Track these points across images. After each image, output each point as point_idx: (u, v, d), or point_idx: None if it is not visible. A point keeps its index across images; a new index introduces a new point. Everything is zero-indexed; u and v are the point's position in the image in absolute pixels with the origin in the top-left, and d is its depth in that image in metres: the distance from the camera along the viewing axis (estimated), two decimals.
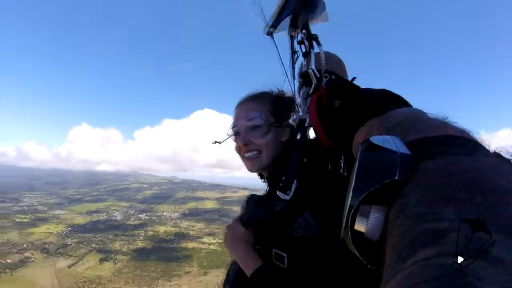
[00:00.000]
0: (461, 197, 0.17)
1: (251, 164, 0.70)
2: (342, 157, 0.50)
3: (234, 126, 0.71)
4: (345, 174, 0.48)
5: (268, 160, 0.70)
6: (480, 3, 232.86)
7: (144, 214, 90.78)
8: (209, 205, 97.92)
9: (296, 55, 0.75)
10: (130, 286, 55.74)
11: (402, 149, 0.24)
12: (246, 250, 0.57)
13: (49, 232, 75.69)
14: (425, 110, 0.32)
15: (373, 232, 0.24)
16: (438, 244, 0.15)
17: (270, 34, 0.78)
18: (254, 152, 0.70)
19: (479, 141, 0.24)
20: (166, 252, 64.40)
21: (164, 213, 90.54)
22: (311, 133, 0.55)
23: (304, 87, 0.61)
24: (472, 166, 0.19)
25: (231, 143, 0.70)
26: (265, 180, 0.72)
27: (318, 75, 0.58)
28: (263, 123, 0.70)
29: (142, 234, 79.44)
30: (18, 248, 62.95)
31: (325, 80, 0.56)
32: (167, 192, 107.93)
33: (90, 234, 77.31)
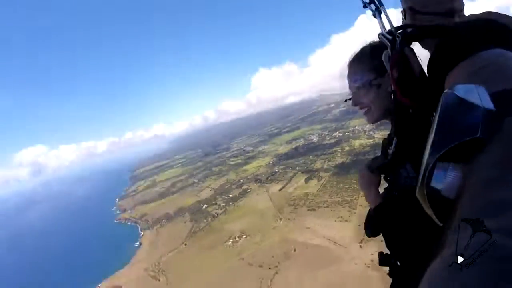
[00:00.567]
0: None
1: (366, 119, 2.20)
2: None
3: (349, 89, 2.25)
4: None
5: (378, 113, 2.10)
6: None
7: (337, 132, 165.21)
8: None
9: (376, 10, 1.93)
10: (333, 198, 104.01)
11: (486, 102, 0.65)
12: (370, 190, 2.11)
13: (259, 166, 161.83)
14: None
15: (450, 190, 0.76)
16: (500, 217, 0.41)
17: None
18: (366, 109, 2.16)
19: None
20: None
21: (356, 127, 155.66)
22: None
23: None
24: None
25: None
26: None
27: (389, 37, 1.73)
28: (363, 83, 2.05)
29: (339, 150, 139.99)
30: (237, 184, 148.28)
31: (397, 41, 1.66)
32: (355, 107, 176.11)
33: (293, 159, 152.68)
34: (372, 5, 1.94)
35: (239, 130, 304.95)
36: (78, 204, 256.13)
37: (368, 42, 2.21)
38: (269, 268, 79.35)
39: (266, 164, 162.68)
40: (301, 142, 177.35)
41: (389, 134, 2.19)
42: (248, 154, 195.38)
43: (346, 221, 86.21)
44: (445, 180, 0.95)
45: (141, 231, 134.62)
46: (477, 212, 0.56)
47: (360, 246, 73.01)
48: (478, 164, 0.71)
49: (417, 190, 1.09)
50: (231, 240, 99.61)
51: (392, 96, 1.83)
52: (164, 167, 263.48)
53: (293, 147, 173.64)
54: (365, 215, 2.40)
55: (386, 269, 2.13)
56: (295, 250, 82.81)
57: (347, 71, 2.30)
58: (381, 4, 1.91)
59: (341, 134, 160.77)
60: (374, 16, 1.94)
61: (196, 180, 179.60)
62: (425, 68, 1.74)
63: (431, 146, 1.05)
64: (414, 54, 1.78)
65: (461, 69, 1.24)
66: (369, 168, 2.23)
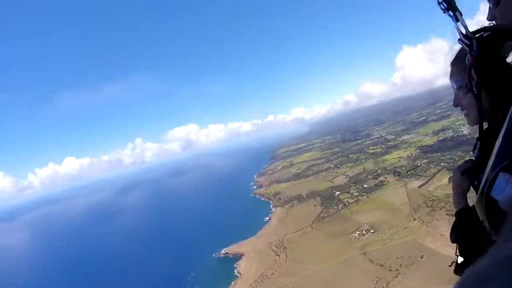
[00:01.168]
0: None
1: (467, 121, 2.45)
2: None
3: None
4: None
5: (475, 116, 2.20)
6: None
7: None
8: None
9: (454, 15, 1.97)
10: None
11: None
12: (458, 193, 2.51)
13: (400, 157, 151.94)
14: None
15: (506, 203, 1.15)
16: None
17: None
18: (465, 110, 2.41)
19: None
20: None
21: None
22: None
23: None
24: None
25: None
26: None
27: (467, 42, 1.84)
28: (461, 85, 2.24)
29: None
30: (373, 174, 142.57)
31: (474, 46, 1.79)
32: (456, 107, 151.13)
33: (439, 153, 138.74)
34: (450, 11, 2.01)
35: (381, 116, 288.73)
36: (220, 175, 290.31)
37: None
38: (390, 270, 76.24)
39: (408, 156, 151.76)
40: (449, 133, 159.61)
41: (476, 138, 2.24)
42: (390, 143, 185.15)
43: None
44: (504, 192, 1.06)
45: (272, 207, 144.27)
46: None
47: None
48: None
49: (475, 198, 1.23)
50: (357, 232, 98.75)
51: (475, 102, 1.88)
52: (302, 149, 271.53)
53: (440, 138, 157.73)
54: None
55: None
56: (422, 256, 76.86)
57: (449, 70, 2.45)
58: (457, 9, 1.97)
59: None
60: (452, 21, 2.00)
61: (331, 166, 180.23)
62: None
63: (496, 155, 1.17)
64: (498, 59, 1.81)
65: None
66: (459, 170, 2.36)
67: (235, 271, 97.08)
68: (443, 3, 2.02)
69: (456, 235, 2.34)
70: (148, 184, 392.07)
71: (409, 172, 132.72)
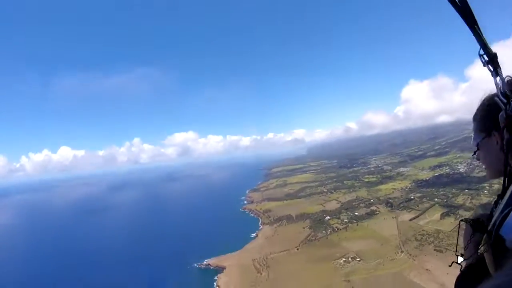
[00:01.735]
0: None
1: (486, 175, 2.72)
2: None
3: None
4: None
5: (491, 171, 2.52)
6: None
7: None
8: None
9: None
10: None
11: None
12: (467, 244, 2.29)
13: (394, 188, 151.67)
14: None
15: None
16: None
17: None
18: (484, 166, 2.70)
19: None
20: None
21: None
22: None
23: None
24: None
25: None
26: None
27: (504, 100, 1.95)
28: (476, 143, 2.58)
29: (487, 187, 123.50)
30: (366, 203, 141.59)
31: (510, 105, 1.91)
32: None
33: (433, 189, 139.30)
34: (490, 66, 2.04)
35: (380, 146, 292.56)
36: (213, 186, 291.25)
37: (486, 96, 2.33)
38: None
39: (402, 188, 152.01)
40: (446, 170, 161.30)
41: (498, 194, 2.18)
42: (385, 173, 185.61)
43: None
44: None
45: (261, 224, 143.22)
46: None
47: None
48: None
49: (485, 236, 1.25)
50: (343, 259, 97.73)
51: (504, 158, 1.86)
52: (298, 170, 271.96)
53: (436, 174, 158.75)
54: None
55: None
56: None
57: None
58: (498, 65, 2.00)
59: None
60: (492, 75, 2.05)
61: (325, 190, 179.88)
62: None
63: (509, 197, 1.21)
64: None
65: None
66: (468, 221, 2.30)
67: (215, 284, 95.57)
68: (485, 56, 2.01)
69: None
70: (139, 185, 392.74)
71: (401, 204, 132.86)
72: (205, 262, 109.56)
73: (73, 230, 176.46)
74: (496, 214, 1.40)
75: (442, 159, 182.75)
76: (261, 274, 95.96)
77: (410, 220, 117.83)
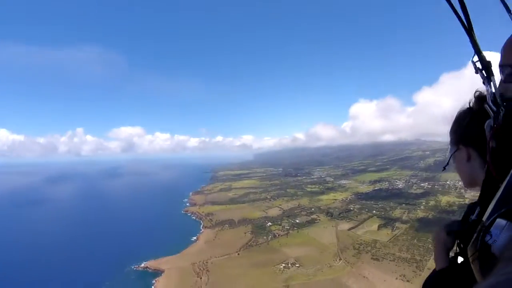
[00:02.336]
0: None
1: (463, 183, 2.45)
2: None
3: None
4: None
5: (465, 183, 2.36)
6: None
7: (426, 183, 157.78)
8: None
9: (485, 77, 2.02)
10: (402, 253, 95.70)
11: None
12: (441, 252, 2.33)
13: (335, 199, 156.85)
14: None
15: (498, 248, 1.27)
16: None
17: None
18: (460, 174, 2.42)
19: None
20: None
21: (448, 182, 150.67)
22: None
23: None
24: None
25: None
26: None
27: (494, 109, 1.84)
28: (449, 156, 2.42)
29: (423, 203, 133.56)
30: (307, 211, 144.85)
31: (501, 113, 1.75)
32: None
33: (372, 201, 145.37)
34: (484, 72, 1.98)
35: (325, 159, 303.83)
36: (156, 185, 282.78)
37: (459, 109, 2.30)
38: None
39: (342, 199, 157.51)
40: (385, 185, 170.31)
41: (475, 202, 2.13)
42: (328, 184, 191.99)
43: (408, 281, 78.64)
44: (498, 238, 1.11)
45: (202, 228, 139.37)
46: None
47: None
48: None
49: (470, 242, 1.30)
50: (283, 264, 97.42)
51: (486, 167, 1.84)
52: (243, 176, 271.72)
53: (376, 188, 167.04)
54: (428, 274, 2.42)
55: None
56: None
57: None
58: (492, 73, 1.95)
59: (429, 186, 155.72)
60: (484, 83, 1.99)
61: (268, 196, 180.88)
62: None
63: (495, 203, 1.23)
64: None
65: None
66: (446, 230, 2.32)
67: (152, 287, 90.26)
68: (479, 63, 2.03)
69: None
70: (79, 179, 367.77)
71: (341, 214, 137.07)
72: (143, 265, 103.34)
73: (3, 223, 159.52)
74: (483, 221, 1.45)
75: (383, 174, 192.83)
76: (201, 278, 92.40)
77: (349, 229, 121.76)
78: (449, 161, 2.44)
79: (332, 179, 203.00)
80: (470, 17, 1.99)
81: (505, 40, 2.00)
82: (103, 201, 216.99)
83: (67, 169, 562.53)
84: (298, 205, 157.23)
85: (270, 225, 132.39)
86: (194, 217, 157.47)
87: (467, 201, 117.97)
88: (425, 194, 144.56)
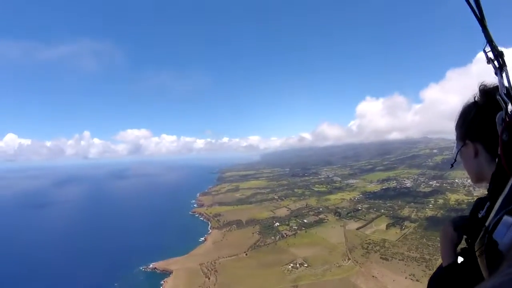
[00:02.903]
0: None
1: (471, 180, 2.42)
2: None
3: None
4: None
5: (472, 179, 2.31)
6: None
7: (435, 181, 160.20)
8: None
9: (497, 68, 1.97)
10: (411, 253, 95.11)
11: None
12: (448, 248, 2.32)
13: (343, 198, 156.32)
14: None
15: (505, 246, 1.24)
16: None
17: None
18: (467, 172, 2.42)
19: None
20: None
21: (456, 180, 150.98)
22: None
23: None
24: None
25: None
26: None
27: (507, 100, 1.82)
28: (456, 152, 2.37)
29: (432, 202, 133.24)
30: (315, 211, 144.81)
31: None
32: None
33: (380, 201, 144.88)
34: (496, 63, 1.93)
35: (332, 158, 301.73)
36: (163, 187, 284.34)
37: (465, 103, 2.24)
38: None
39: (350, 199, 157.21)
40: (393, 184, 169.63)
41: (484, 198, 2.09)
42: (335, 184, 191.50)
43: (417, 280, 77.90)
44: (505, 235, 1.10)
45: (210, 229, 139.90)
46: None
47: None
48: None
49: (477, 239, 1.27)
50: (291, 265, 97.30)
51: (497, 161, 1.78)
52: (250, 176, 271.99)
53: (384, 187, 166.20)
54: (434, 270, 2.42)
55: None
56: None
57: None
58: (504, 64, 1.89)
59: (438, 184, 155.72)
60: (496, 74, 1.93)
61: (276, 197, 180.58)
62: None
63: (502, 200, 1.22)
64: None
65: None
66: (453, 225, 2.30)
67: None
68: (491, 53, 1.98)
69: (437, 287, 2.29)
70: (87, 182, 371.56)
71: (349, 214, 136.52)
72: (151, 266, 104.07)
73: (13, 226, 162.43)
74: (490, 218, 1.41)
75: (390, 173, 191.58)
76: (209, 278, 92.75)
77: (357, 229, 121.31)
78: (456, 157, 2.39)
79: (339, 179, 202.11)
80: (481, 5, 1.93)
81: None
82: (111, 203, 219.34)
83: (75, 172, 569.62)
84: (306, 205, 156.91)
85: (278, 226, 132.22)
86: (202, 218, 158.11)
87: (476, 199, 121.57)
88: (434, 192, 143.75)
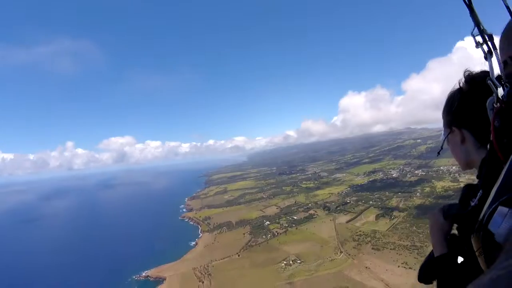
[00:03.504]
0: None
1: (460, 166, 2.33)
2: None
3: None
4: None
5: (461, 165, 2.28)
6: None
7: (420, 170, 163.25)
8: None
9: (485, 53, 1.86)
10: (402, 241, 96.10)
11: None
12: (439, 237, 2.18)
13: (331, 193, 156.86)
14: None
15: (501, 236, 1.13)
16: None
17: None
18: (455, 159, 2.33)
19: None
20: None
21: (442, 168, 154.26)
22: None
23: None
24: None
25: None
26: None
27: (498, 84, 1.62)
28: (443, 139, 2.32)
29: (419, 190, 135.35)
30: (304, 207, 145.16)
31: (505, 90, 1.56)
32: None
33: (368, 193, 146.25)
34: (485, 46, 1.84)
35: (318, 154, 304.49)
36: (151, 194, 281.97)
37: (450, 90, 2.21)
38: None
39: (338, 193, 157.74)
40: (380, 175, 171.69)
41: (475, 185, 2.02)
42: (323, 179, 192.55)
43: (410, 268, 78.56)
44: (500, 225, 1.10)
45: (200, 232, 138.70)
46: None
47: None
48: None
49: (474, 230, 1.27)
50: (284, 262, 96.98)
51: (489, 147, 1.72)
52: (237, 177, 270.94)
53: (371, 179, 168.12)
54: (424, 259, 2.35)
55: None
56: None
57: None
58: (494, 47, 1.81)
59: (424, 173, 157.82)
60: (485, 58, 1.85)
61: (264, 196, 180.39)
62: None
63: (496, 190, 1.22)
64: None
65: None
66: (443, 214, 2.23)
67: None
68: (480, 36, 1.89)
69: (428, 276, 2.21)
70: (74, 194, 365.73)
71: (338, 208, 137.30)
72: (144, 274, 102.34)
73: (4, 241, 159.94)
74: (485, 208, 1.36)
75: (376, 165, 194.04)
76: (203, 282, 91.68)
77: (347, 222, 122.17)
78: (442, 145, 2.37)
79: (326, 174, 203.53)
80: None
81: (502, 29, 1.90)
82: (100, 214, 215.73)
83: (61, 184, 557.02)
84: (295, 202, 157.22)
85: (268, 224, 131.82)
86: (191, 223, 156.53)
87: (462, 185, 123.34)
88: (420, 181, 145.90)
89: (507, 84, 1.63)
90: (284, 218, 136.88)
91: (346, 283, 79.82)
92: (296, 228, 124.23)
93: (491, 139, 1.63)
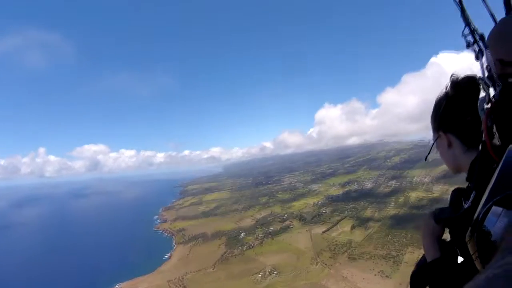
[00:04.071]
0: None
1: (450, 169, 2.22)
2: None
3: None
4: None
5: (450, 169, 2.19)
6: None
7: (394, 181, 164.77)
8: None
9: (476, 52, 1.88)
10: (378, 251, 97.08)
11: None
12: (431, 242, 2.01)
13: (306, 204, 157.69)
14: None
15: (496, 235, 1.13)
16: None
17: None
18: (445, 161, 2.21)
19: None
20: (419, 219, 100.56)
21: (415, 178, 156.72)
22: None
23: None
24: None
25: None
26: None
27: (489, 84, 1.63)
28: (432, 144, 2.26)
29: (393, 200, 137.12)
30: (280, 218, 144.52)
31: (497, 90, 1.58)
32: (416, 156, 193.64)
33: (343, 203, 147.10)
34: (476, 46, 1.86)
35: (293, 165, 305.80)
36: (124, 204, 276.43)
37: (437, 95, 2.18)
38: None
39: (314, 203, 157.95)
40: (354, 186, 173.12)
41: (465, 188, 1.99)
42: (298, 190, 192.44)
43: (387, 276, 79.47)
44: (495, 225, 1.12)
45: (175, 244, 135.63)
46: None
47: None
48: None
49: (468, 231, 1.28)
50: (260, 274, 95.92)
51: (481, 147, 1.73)
52: (213, 188, 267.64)
53: (346, 190, 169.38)
54: (415, 264, 2.26)
55: None
56: None
57: None
58: (486, 46, 1.79)
59: (398, 184, 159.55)
60: (477, 58, 1.85)
61: (240, 207, 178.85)
62: None
63: (490, 190, 1.23)
64: None
65: None
66: (435, 218, 2.13)
67: None
68: (471, 36, 1.91)
69: (421, 283, 2.12)
70: (45, 202, 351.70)
71: (314, 218, 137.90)
72: (117, 287, 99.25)
73: None
74: (478, 209, 1.35)
75: (351, 176, 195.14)
76: None
77: (323, 232, 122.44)
78: (430, 150, 2.32)
79: (302, 185, 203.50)
80: None
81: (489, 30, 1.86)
82: (71, 224, 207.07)
83: (32, 191, 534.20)
84: (271, 213, 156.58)
85: (244, 236, 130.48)
86: (166, 234, 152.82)
87: (436, 195, 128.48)
88: (394, 191, 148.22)
89: (499, 83, 1.61)
90: (260, 229, 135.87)
91: None
92: (272, 239, 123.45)
93: (483, 139, 1.61)
